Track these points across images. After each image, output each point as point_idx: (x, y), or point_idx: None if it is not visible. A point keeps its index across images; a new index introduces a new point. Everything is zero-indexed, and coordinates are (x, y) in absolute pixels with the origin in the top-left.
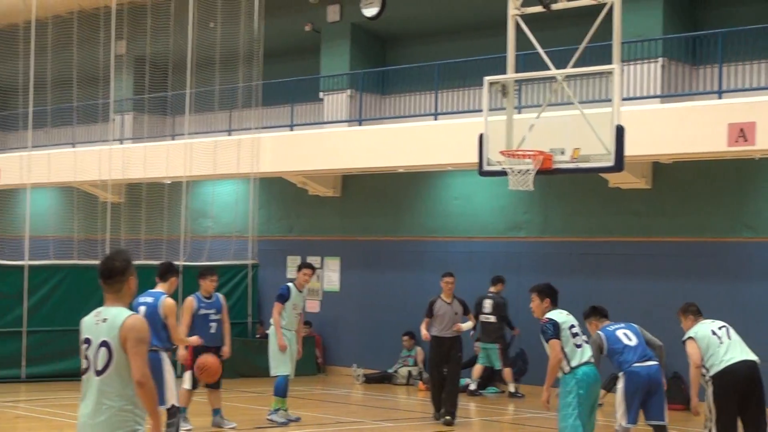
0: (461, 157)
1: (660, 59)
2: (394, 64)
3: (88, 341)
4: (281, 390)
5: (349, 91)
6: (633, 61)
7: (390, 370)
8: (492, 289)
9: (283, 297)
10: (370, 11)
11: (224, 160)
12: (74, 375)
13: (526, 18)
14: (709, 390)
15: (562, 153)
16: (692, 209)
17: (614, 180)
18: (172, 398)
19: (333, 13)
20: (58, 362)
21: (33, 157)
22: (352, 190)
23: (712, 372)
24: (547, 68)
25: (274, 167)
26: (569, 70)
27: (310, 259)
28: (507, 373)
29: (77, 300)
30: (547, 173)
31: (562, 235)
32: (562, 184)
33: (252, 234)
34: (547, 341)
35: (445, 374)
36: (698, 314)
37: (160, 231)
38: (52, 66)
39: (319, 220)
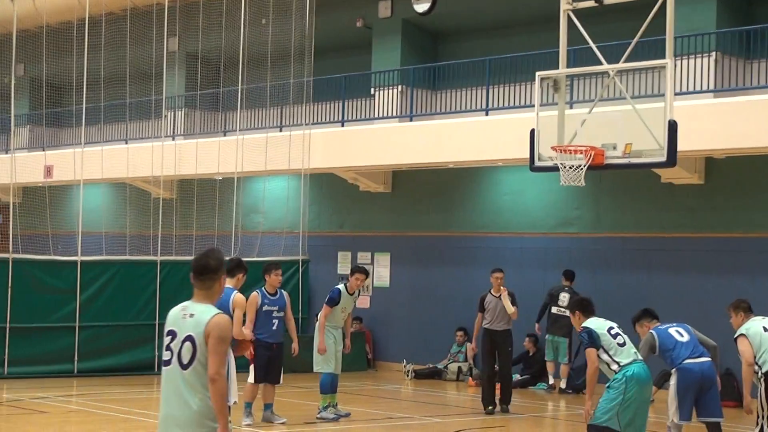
0: (512, 152)
1: (713, 53)
2: (444, 60)
3: (172, 333)
4: (326, 387)
5: (399, 87)
6: (686, 56)
7: (440, 366)
8: (566, 283)
9: (333, 301)
10: (421, 7)
11: (275, 155)
12: (125, 370)
13: (578, 13)
14: (761, 387)
15: (614, 148)
16: (745, 205)
17: (666, 175)
18: (234, 395)
19: (384, 8)
20: (109, 357)
21: (86, 153)
22: (402, 186)
23: (765, 369)
24: (599, 63)
25: (325, 163)
26: (621, 65)
27: (361, 255)
28: (564, 369)
29: (129, 295)
30: (598, 169)
31: (614, 230)
32: (613, 180)
33: (303, 230)
34: (584, 350)
35: (496, 368)
36: (749, 311)
37: (212, 227)
38: (106, 63)
39: (370, 215)
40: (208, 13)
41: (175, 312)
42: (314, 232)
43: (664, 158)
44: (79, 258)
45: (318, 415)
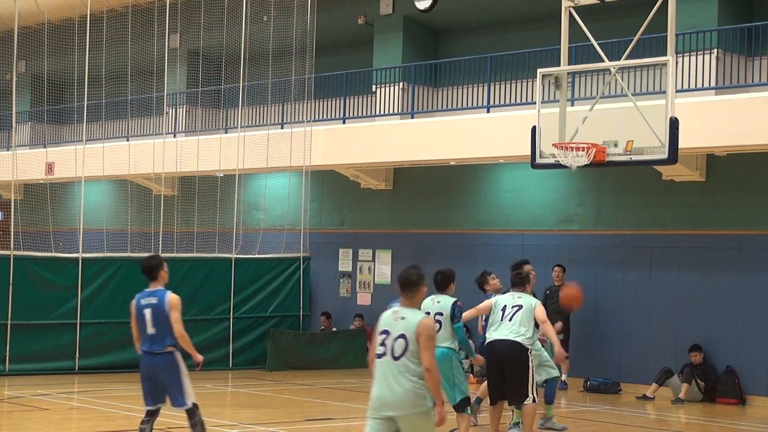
0: (513, 149)
1: (714, 50)
2: (446, 57)
3: (386, 332)
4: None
5: (401, 84)
6: (687, 53)
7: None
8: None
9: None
10: (422, 4)
11: (276, 153)
12: (127, 367)
13: (580, 9)
14: None
15: (615, 145)
16: (747, 202)
17: (668, 172)
18: (192, 396)
19: (385, 5)
20: (110, 354)
21: (87, 150)
22: (403, 183)
23: None
24: (601, 60)
25: (326, 160)
26: (623, 62)
27: (362, 252)
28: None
29: (130, 292)
30: (600, 166)
31: (615, 228)
32: (614, 177)
33: (304, 227)
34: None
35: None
36: None
37: (213, 224)
38: (107, 60)
39: (371, 212)
40: (210, 9)
41: (388, 314)
42: (315, 229)
43: (665, 155)
44: (80, 255)
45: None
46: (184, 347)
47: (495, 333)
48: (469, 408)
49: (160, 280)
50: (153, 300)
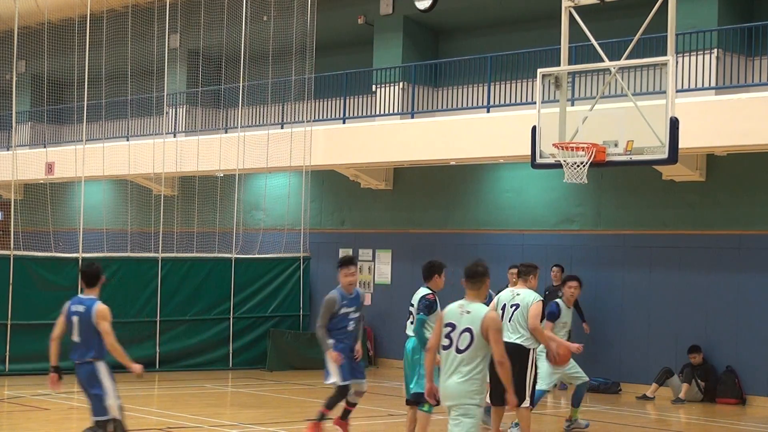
0: (513, 149)
1: (715, 50)
2: (446, 57)
3: (452, 326)
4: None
5: (401, 84)
6: (687, 53)
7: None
8: (557, 281)
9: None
10: (422, 4)
11: (276, 152)
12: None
13: (580, 9)
14: None
15: (616, 145)
16: (747, 202)
17: (668, 172)
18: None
19: (385, 5)
20: (110, 354)
21: (87, 150)
22: (403, 183)
23: None
24: (601, 60)
25: (326, 160)
26: (623, 62)
27: (362, 252)
28: None
29: (130, 292)
30: (600, 166)
31: (615, 228)
32: (615, 177)
33: (304, 227)
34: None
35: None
36: None
37: (213, 224)
38: (107, 60)
39: (371, 212)
40: (210, 9)
41: (453, 308)
42: (315, 229)
43: (665, 155)
44: (80, 255)
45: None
46: (118, 359)
47: None
48: (426, 405)
49: (94, 289)
50: (81, 308)
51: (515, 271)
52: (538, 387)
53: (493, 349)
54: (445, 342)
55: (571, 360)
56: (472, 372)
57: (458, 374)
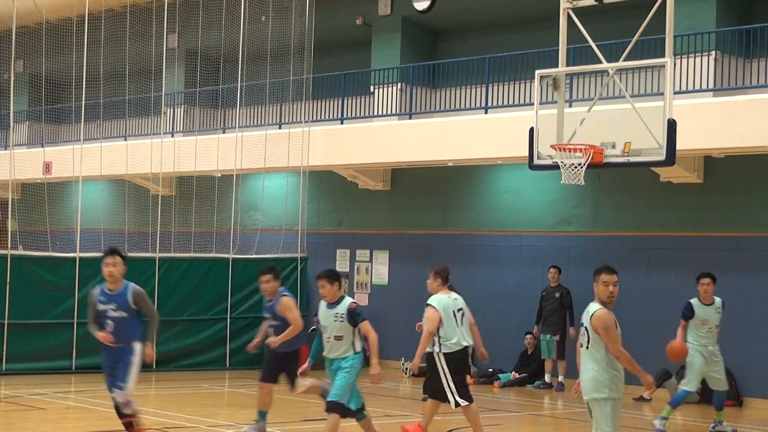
0: (511, 150)
1: (713, 52)
2: (444, 58)
3: (581, 324)
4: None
5: (399, 85)
6: (685, 54)
7: None
8: (554, 282)
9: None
10: (421, 4)
11: (274, 153)
12: None
13: (578, 11)
14: None
15: (613, 147)
16: (744, 204)
17: (665, 174)
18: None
19: (384, 6)
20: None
21: (85, 149)
22: (401, 184)
23: None
24: (599, 61)
25: (324, 160)
26: (621, 64)
27: (360, 253)
28: (549, 364)
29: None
30: (597, 167)
31: (613, 229)
32: (612, 178)
33: (301, 227)
34: (361, 321)
35: None
36: None
37: (211, 224)
38: (105, 60)
39: (369, 213)
40: (208, 9)
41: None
42: (313, 229)
43: (663, 157)
44: (77, 254)
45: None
46: None
47: (463, 341)
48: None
49: None
50: None
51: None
52: (683, 387)
53: (607, 343)
54: (581, 340)
55: (721, 363)
56: (598, 367)
57: (589, 368)
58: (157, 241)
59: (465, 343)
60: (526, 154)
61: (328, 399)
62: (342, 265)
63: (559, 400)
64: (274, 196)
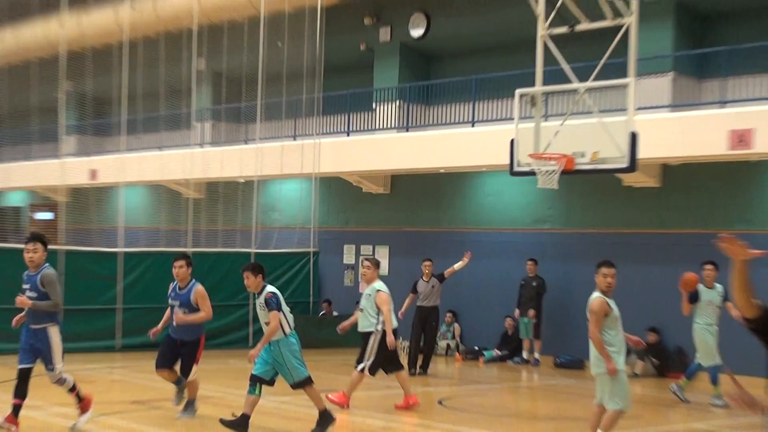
0: (494, 159)
1: (670, 73)
2: (437, 78)
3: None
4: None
5: (397, 102)
6: (646, 75)
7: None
8: (532, 271)
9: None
10: (416, 32)
11: (290, 161)
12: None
13: (553, 37)
14: None
15: (583, 156)
16: (697, 205)
17: (628, 180)
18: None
19: (384, 34)
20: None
21: (126, 159)
22: (399, 188)
23: None
24: (571, 81)
25: (333, 168)
26: (590, 84)
27: (364, 248)
28: (527, 343)
29: (163, 282)
30: (569, 173)
31: (582, 227)
32: (582, 183)
33: (313, 225)
34: (270, 311)
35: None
36: None
37: (235, 223)
38: (142, 80)
39: (371, 213)
40: (232, 36)
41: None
42: (323, 227)
43: (626, 164)
44: (120, 249)
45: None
46: None
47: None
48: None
49: None
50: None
51: (428, 263)
52: (700, 361)
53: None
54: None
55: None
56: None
57: (591, 348)
58: (189, 238)
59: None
60: (508, 162)
61: (292, 384)
62: (348, 258)
63: (535, 374)
64: (290, 199)
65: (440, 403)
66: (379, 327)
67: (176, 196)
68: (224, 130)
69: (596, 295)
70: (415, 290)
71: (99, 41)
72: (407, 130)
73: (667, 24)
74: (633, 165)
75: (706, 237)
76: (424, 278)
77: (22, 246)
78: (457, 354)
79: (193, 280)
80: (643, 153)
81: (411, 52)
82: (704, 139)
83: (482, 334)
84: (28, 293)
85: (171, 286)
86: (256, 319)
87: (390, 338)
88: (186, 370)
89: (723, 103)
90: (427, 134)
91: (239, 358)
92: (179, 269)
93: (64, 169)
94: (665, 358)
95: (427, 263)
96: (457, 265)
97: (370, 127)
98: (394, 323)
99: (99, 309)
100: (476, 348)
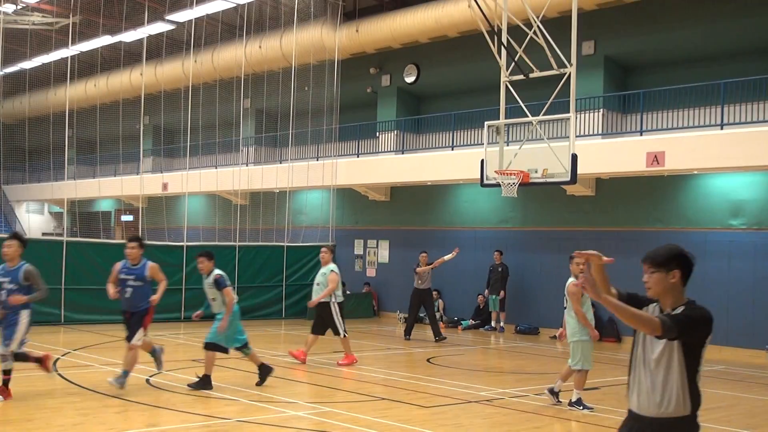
0: (469, 174)
1: (601, 110)
2: (425, 113)
3: None
4: None
5: (395, 132)
6: (583, 111)
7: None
8: (498, 259)
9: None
10: (410, 79)
11: (314, 176)
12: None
13: (513, 83)
14: None
15: (536, 172)
16: (622, 208)
17: (570, 190)
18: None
19: (385, 80)
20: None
21: (189, 175)
22: (397, 196)
23: None
24: (526, 115)
25: (347, 181)
26: (541, 117)
27: (370, 243)
28: (495, 315)
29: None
30: (525, 185)
31: (536, 225)
32: (535, 192)
33: (331, 225)
34: (223, 288)
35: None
36: None
37: (272, 223)
38: (202, 115)
39: (376, 216)
40: (270, 82)
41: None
42: (339, 226)
43: (568, 178)
44: (184, 243)
45: None
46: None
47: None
48: (246, 349)
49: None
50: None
51: (424, 255)
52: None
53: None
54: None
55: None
56: (573, 318)
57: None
58: (237, 235)
59: (343, 297)
60: (479, 176)
61: (205, 340)
62: (358, 250)
63: (501, 339)
64: (314, 204)
65: (428, 361)
66: (334, 299)
67: (227, 203)
68: (264, 153)
69: (571, 279)
70: (415, 271)
71: (170, 86)
72: (403, 153)
73: (598, 72)
74: (574, 179)
75: (629, 233)
76: (421, 265)
77: (111, 241)
78: (441, 323)
79: (145, 259)
80: (581, 170)
81: (406, 94)
82: (627, 159)
83: (460, 307)
84: (8, 285)
85: (119, 264)
86: (288, 296)
87: (314, 303)
88: (131, 336)
89: (641, 132)
90: (418, 156)
91: (274, 327)
92: (131, 250)
93: (143, 183)
94: (600, 326)
95: (424, 255)
96: (447, 257)
97: (374, 150)
98: (340, 298)
99: (169, 289)
100: (456, 318)
